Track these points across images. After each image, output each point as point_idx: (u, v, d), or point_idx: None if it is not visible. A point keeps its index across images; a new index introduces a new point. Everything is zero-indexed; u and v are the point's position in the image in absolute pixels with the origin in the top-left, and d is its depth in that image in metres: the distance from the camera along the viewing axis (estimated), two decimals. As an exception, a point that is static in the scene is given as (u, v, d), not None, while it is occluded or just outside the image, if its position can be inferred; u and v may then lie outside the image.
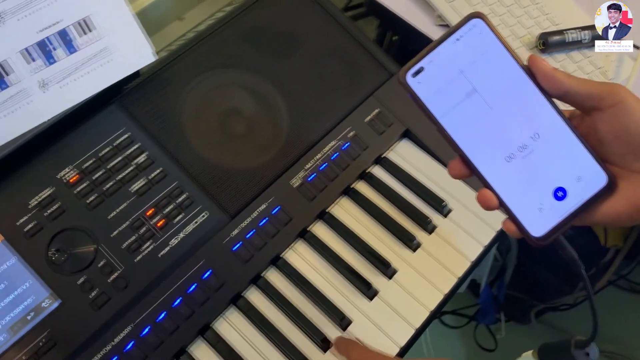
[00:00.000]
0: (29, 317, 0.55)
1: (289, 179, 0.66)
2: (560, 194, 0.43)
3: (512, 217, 0.43)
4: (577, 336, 0.64)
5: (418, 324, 0.62)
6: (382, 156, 0.71)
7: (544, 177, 0.43)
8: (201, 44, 0.71)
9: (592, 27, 0.76)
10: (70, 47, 0.59)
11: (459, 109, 0.42)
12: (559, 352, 0.65)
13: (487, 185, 0.43)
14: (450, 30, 0.42)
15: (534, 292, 1.25)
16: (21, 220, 0.57)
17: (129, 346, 0.56)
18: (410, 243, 0.66)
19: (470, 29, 0.42)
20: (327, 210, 0.67)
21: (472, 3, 0.78)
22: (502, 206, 0.43)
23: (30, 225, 0.57)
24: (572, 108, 0.44)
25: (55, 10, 0.57)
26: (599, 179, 0.42)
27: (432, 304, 0.63)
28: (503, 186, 0.43)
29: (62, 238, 0.58)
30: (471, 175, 0.43)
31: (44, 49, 0.58)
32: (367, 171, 0.70)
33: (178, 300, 0.59)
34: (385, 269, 0.64)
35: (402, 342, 0.61)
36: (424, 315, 0.63)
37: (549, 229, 0.43)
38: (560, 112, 0.43)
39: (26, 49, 0.57)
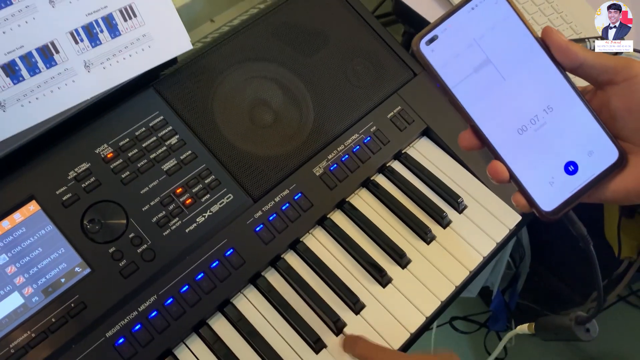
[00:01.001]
0: (62, 281, 0.59)
1: (312, 168, 0.69)
2: (571, 168, 0.43)
3: (522, 190, 0.43)
4: (577, 312, 0.63)
5: (429, 312, 0.64)
6: (402, 152, 0.74)
7: (556, 151, 0.43)
8: (234, 38, 0.74)
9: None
10: (114, 31, 0.63)
11: (472, 79, 0.42)
12: (557, 326, 0.65)
13: (498, 157, 0.43)
14: None
15: (545, 302, 1.25)
16: (59, 190, 0.61)
17: (152, 314, 0.59)
18: (425, 235, 0.68)
19: None
20: (346, 200, 0.70)
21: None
22: (513, 179, 0.43)
23: (67, 196, 0.61)
24: (585, 83, 0.44)
25: (102, -4, 0.61)
26: (610, 154, 0.42)
27: (444, 295, 0.66)
28: (514, 159, 0.43)
29: (96, 209, 0.61)
30: (482, 147, 0.43)
31: (91, 31, 0.62)
32: (386, 165, 0.73)
33: (201, 275, 0.62)
34: (400, 258, 0.67)
35: (413, 329, 0.63)
36: (435, 304, 0.65)
37: (559, 204, 0.43)
38: (573, 86, 0.43)
39: (75, 30, 0.61)
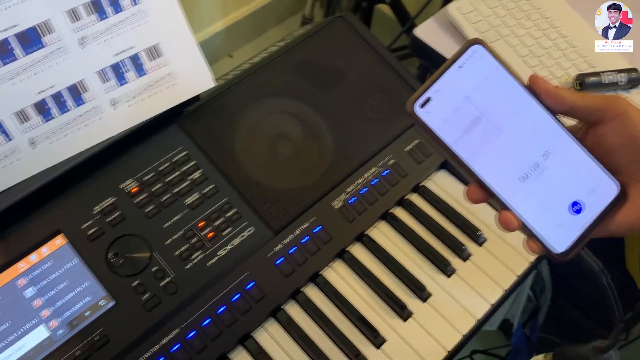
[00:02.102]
0: (86, 314, 0.60)
1: (331, 201, 0.70)
2: (576, 207, 0.44)
3: (533, 235, 0.44)
4: (597, 341, 0.62)
5: (450, 346, 0.64)
6: (421, 184, 0.75)
7: (560, 193, 0.44)
8: (255, 74, 0.76)
9: (628, 70, 0.78)
10: (140, 71, 0.65)
11: (469, 135, 0.42)
12: (577, 356, 0.64)
13: (506, 207, 0.43)
14: (452, 59, 0.42)
15: (567, 335, 1.23)
16: (85, 225, 0.62)
17: (175, 348, 0.60)
18: (445, 269, 0.68)
19: (472, 55, 0.42)
20: (365, 233, 0.71)
21: (511, 44, 0.82)
22: (523, 226, 0.44)
23: (93, 230, 0.62)
24: (575, 122, 0.45)
25: (129, 37, 0.64)
26: (610, 190, 0.44)
27: (465, 329, 0.65)
28: (521, 206, 0.43)
29: (121, 243, 0.63)
30: (489, 198, 0.44)
31: (118, 71, 0.64)
32: (405, 198, 0.74)
33: (222, 308, 0.62)
34: (420, 292, 0.67)
35: (434, 363, 0.63)
36: (457, 338, 0.65)
37: (570, 244, 0.44)
38: (565, 128, 0.44)
39: (102, 70, 0.63)
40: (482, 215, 0.73)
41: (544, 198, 0.44)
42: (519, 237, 0.71)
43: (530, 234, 0.44)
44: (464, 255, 0.70)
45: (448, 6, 0.84)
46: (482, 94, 0.42)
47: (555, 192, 0.44)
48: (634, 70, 0.78)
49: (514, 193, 0.43)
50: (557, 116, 0.44)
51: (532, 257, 0.70)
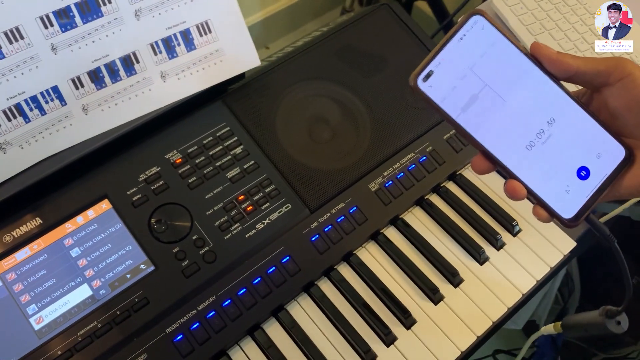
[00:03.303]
0: (127, 276, 0.62)
1: (368, 183, 0.71)
2: (583, 173, 0.44)
3: (541, 203, 0.44)
4: (607, 306, 0.62)
5: (480, 332, 0.64)
6: (457, 172, 0.75)
7: (566, 159, 0.44)
8: (298, 57, 0.78)
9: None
10: (190, 45, 0.67)
11: (474, 106, 0.42)
12: (586, 322, 0.63)
13: (513, 176, 0.43)
14: (454, 30, 0.42)
15: (595, 341, 1.21)
16: (130, 191, 0.65)
17: (210, 314, 0.61)
18: (479, 256, 0.69)
19: (472, 26, 0.42)
20: (400, 217, 0.71)
21: (555, 38, 0.82)
22: (530, 194, 0.44)
23: (137, 197, 0.64)
24: (579, 88, 0.45)
25: (182, 12, 0.66)
26: (617, 153, 0.44)
27: (495, 316, 0.66)
28: (528, 174, 0.43)
29: (163, 211, 0.65)
30: (495, 168, 0.44)
31: (169, 44, 0.66)
32: (441, 185, 0.74)
33: (258, 279, 0.64)
34: (453, 277, 0.67)
35: (463, 347, 0.63)
36: (487, 325, 0.65)
37: (578, 209, 0.44)
38: (570, 94, 0.44)
39: (155, 42, 0.65)
40: (517, 206, 0.73)
41: (551, 165, 0.44)
42: (553, 228, 0.71)
43: (538, 202, 0.44)
44: (498, 244, 0.70)
45: (493, -2, 0.84)
46: (485, 64, 0.42)
47: (562, 159, 0.44)
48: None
49: (520, 162, 0.44)
50: (561, 82, 0.44)
51: (567, 250, 0.70)
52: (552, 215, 0.44)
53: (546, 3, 0.83)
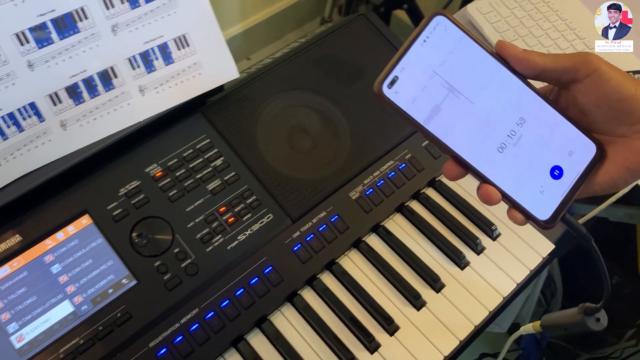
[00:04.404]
0: (109, 292, 0.61)
1: (349, 191, 0.72)
2: (556, 172, 0.44)
3: (516, 206, 0.43)
4: (585, 304, 0.62)
5: (462, 336, 0.65)
6: (437, 179, 0.76)
7: (539, 160, 0.43)
8: (277, 68, 0.78)
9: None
10: (168, 59, 0.68)
11: (441, 110, 0.41)
12: (565, 320, 0.64)
13: (486, 180, 0.43)
14: (416, 33, 0.40)
15: (578, 341, 1.23)
16: (111, 206, 0.65)
17: (193, 327, 0.61)
18: (460, 261, 0.69)
19: (435, 27, 0.41)
20: (381, 224, 0.72)
21: (529, 44, 0.84)
22: (505, 197, 0.43)
23: (118, 211, 0.64)
24: (544, 84, 0.45)
25: (159, 26, 0.66)
26: (589, 150, 0.44)
27: (477, 320, 0.66)
28: (502, 177, 0.43)
29: (144, 225, 0.65)
30: (467, 173, 0.43)
31: (147, 58, 0.66)
32: (421, 191, 0.75)
33: (240, 291, 0.64)
34: (434, 282, 0.68)
35: (446, 351, 0.64)
36: (469, 329, 0.66)
37: (554, 210, 0.43)
38: (538, 92, 0.43)
39: (133, 57, 0.65)
40: (496, 210, 0.74)
41: (523, 166, 0.43)
42: (532, 232, 0.72)
43: (513, 205, 0.44)
44: (478, 248, 0.71)
45: (468, 6, 0.86)
46: (450, 66, 0.41)
47: (534, 159, 0.43)
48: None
49: (493, 165, 0.43)
50: (528, 81, 0.43)
51: (545, 253, 0.71)
52: (528, 217, 0.44)
53: (519, 10, 0.85)
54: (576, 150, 0.44)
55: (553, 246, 0.72)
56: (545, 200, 0.44)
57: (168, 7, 0.67)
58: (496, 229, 0.72)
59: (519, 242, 0.72)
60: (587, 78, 0.42)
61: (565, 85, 0.44)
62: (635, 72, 0.75)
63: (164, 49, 0.67)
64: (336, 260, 0.69)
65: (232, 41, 1.86)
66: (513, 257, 0.71)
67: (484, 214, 0.73)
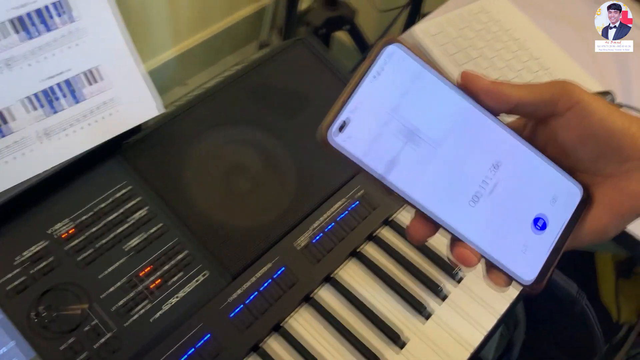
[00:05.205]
0: (8, 382, 0.50)
1: (294, 239, 0.63)
2: (540, 223, 0.37)
3: (496, 267, 0.36)
4: None
5: (432, 399, 0.57)
6: (391, 218, 0.69)
7: (518, 210, 0.37)
8: (208, 100, 0.70)
9: (603, 93, 0.75)
10: (76, 96, 0.58)
11: (403, 158, 0.34)
12: None
13: (459, 239, 0.36)
14: (366, 67, 0.33)
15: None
16: (8, 276, 0.54)
17: (116, 418, 0.51)
18: (422, 311, 0.62)
19: (388, 59, 0.34)
20: (333, 274, 0.64)
21: (482, 66, 0.79)
22: (483, 258, 0.36)
23: (18, 281, 0.53)
24: (515, 116, 0.39)
25: (65, 59, 0.56)
26: (574, 193, 0.37)
27: (447, 378, 0.59)
28: (477, 235, 0.36)
29: (51, 296, 0.54)
30: (436, 231, 0.36)
31: (52, 97, 0.56)
32: (375, 233, 0.68)
33: (173, 367, 0.54)
34: (396, 339, 0.60)
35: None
36: (438, 390, 0.58)
37: (540, 268, 0.37)
38: (511, 130, 0.37)
39: (28, 97, 0.55)
40: (458, 250, 0.67)
41: (502, 219, 0.36)
42: (499, 273, 0.66)
43: (492, 265, 0.36)
44: (441, 295, 0.64)
45: (414, 28, 0.80)
46: (409, 104, 0.34)
47: (513, 210, 0.37)
48: (607, 93, 0.76)
49: (466, 220, 0.35)
50: (498, 118, 0.37)
51: (515, 293, 0.65)
52: (510, 279, 0.36)
53: (469, 31, 0.80)
54: (560, 196, 0.37)
55: (521, 286, 0.65)
56: (529, 257, 0.36)
57: (75, 36, 0.57)
58: (459, 270, 0.65)
59: (484, 285, 0.65)
60: (568, 111, 0.36)
61: (543, 120, 0.37)
62: (602, 94, 0.71)
63: (72, 84, 0.57)
64: (284, 321, 0.60)
65: (166, 66, 1.75)
66: (480, 301, 0.64)
67: (445, 253, 0.66)
